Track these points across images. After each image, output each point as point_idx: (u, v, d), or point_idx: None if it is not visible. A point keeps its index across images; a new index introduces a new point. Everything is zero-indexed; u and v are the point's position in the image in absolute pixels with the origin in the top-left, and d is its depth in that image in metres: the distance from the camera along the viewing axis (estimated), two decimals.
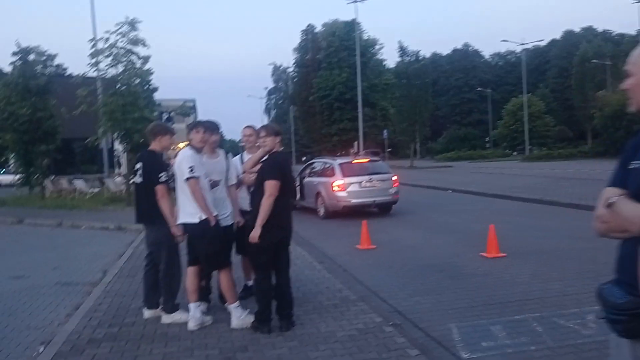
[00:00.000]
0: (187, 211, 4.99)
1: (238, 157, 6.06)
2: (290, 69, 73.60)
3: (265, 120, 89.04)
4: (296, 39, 69.83)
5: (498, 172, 30.09)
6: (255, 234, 4.82)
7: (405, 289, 6.76)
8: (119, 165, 29.77)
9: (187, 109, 23.41)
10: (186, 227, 5.03)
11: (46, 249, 10.98)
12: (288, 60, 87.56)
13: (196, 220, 4.93)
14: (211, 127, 5.28)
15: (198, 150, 5.12)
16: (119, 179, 23.29)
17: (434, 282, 7.07)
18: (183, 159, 4.98)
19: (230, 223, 5.50)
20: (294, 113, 65.84)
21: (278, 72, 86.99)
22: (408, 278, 7.35)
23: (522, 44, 56.03)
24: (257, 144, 5.86)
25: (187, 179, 4.89)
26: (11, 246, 11.81)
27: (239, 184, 5.77)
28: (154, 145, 5.40)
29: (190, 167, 4.91)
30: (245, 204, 5.63)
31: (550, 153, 46.93)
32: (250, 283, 6.15)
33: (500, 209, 14.65)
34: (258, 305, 5.02)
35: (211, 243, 4.99)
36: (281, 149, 5.23)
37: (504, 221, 10.97)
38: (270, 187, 4.82)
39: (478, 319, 5.48)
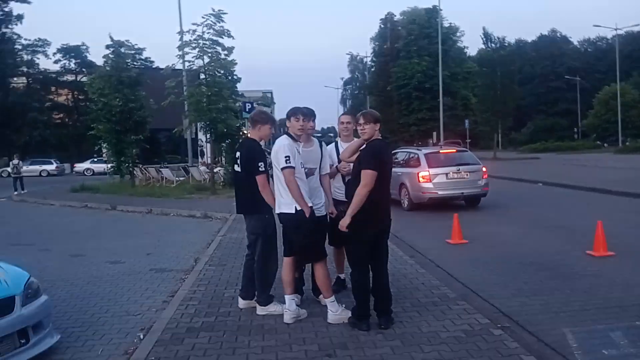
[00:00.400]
0: (283, 201, 4.84)
1: (332, 145, 5.84)
2: (368, 59, 72.90)
3: (341, 111, 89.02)
4: (374, 28, 68.97)
5: (592, 165, 28.32)
6: (344, 223, 4.61)
7: (507, 288, 6.32)
8: (202, 155, 30.58)
9: (268, 99, 23.64)
10: (282, 217, 4.89)
11: (138, 235, 11.32)
12: (365, 50, 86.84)
13: (292, 210, 4.77)
14: (309, 114, 5.10)
15: (295, 138, 4.95)
16: (202, 168, 23.90)
17: (538, 281, 6.58)
18: (280, 147, 4.83)
19: (324, 214, 5.29)
20: (371, 103, 65.24)
21: (355, 62, 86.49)
22: (508, 276, 6.89)
23: (616, 29, 52.50)
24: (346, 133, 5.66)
25: (283, 168, 4.74)
26: (107, 231, 12.31)
27: (334, 173, 5.55)
28: (253, 134, 5.29)
29: (287, 156, 4.74)
30: (340, 194, 5.43)
31: None
32: (343, 276, 5.96)
33: (600, 203, 13.69)
34: (355, 301, 4.81)
35: (306, 234, 4.83)
36: (380, 137, 4.95)
37: (607, 217, 10.09)
38: (367, 177, 4.57)
39: (594, 323, 5.00)
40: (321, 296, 5.28)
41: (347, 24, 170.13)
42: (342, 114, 5.94)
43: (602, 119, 58.00)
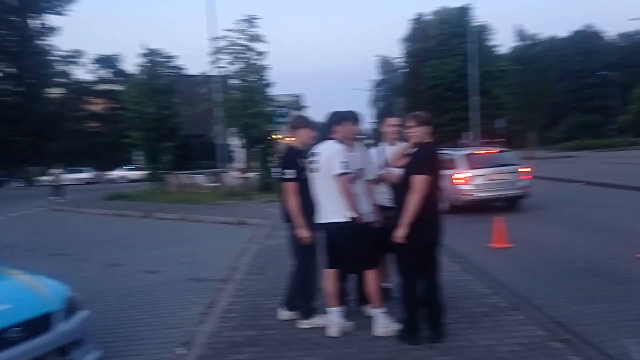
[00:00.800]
0: (332, 209, 4.62)
1: (378, 149, 5.59)
2: (397, 60, 72.39)
3: (370, 113, 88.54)
4: (402, 30, 68.45)
5: (634, 162, 27.36)
6: (400, 234, 4.37)
7: (560, 295, 5.99)
8: (234, 160, 30.68)
9: (299, 103, 23.61)
10: (331, 226, 4.67)
11: (174, 243, 11.28)
12: (394, 51, 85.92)
13: (343, 219, 4.55)
14: (357, 118, 4.89)
15: (343, 143, 4.75)
16: (234, 174, 23.91)
17: (592, 288, 6.23)
18: (335, 152, 4.60)
19: (372, 220, 5.04)
20: (402, 104, 64.73)
21: (384, 64, 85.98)
22: (559, 283, 6.55)
23: None
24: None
25: (341, 174, 4.52)
26: (142, 240, 12.31)
27: (380, 178, 5.28)
28: (295, 140, 5.11)
29: (344, 162, 4.54)
30: (386, 200, 5.18)
31: None
32: (387, 285, 5.72)
33: None
34: (405, 312, 4.57)
35: (361, 242, 4.61)
36: (430, 139, 4.69)
37: None
38: (419, 182, 4.34)
39: None
40: (366, 307, 5.05)
41: (375, 26, 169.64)
42: (390, 117, 5.69)
43: None
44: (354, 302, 5.34)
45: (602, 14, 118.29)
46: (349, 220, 4.54)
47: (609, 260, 7.45)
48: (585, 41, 74.44)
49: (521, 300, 5.71)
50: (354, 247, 4.62)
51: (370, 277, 4.72)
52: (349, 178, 4.55)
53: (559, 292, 6.15)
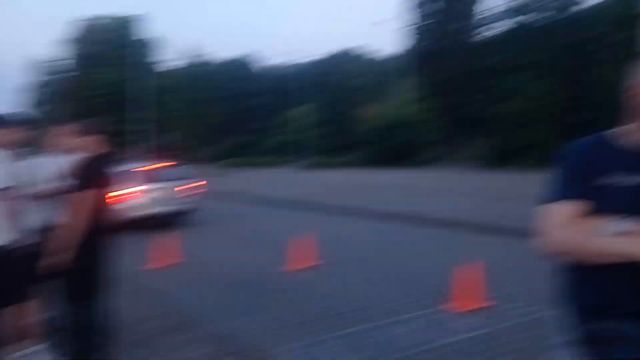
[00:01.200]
0: None
1: (36, 160, 4.87)
2: (61, 63, 66.44)
3: (28, 118, 79.11)
4: (60, 31, 63.39)
5: (286, 179, 30.91)
6: (65, 258, 3.89)
7: (226, 309, 6.24)
8: None
9: None
10: None
11: None
12: (55, 52, 78.06)
13: None
14: (9, 123, 4.20)
15: None
16: None
17: (253, 299, 6.68)
18: None
19: (29, 243, 4.35)
20: (69, 111, 59.64)
21: (47, 66, 77.99)
22: (225, 297, 6.81)
23: (295, 60, 59.74)
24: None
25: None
26: None
27: (40, 194, 4.58)
28: None
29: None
30: (45, 220, 4.54)
31: (326, 162, 50.37)
32: (47, 316, 5.08)
33: (297, 217, 14.92)
34: (74, 344, 4.11)
35: (11, 272, 3.92)
36: (104, 150, 4.35)
37: (306, 230, 10.81)
38: (87, 198, 3.95)
39: (315, 335, 5.24)
40: (20, 345, 4.36)
41: (26, 25, 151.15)
42: (56, 124, 4.98)
43: (286, 139, 64.29)
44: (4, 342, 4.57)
45: (265, 45, 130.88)
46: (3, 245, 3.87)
47: (264, 273, 8.04)
48: (245, 68, 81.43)
49: (190, 318, 5.78)
50: (2, 279, 3.94)
51: (26, 310, 4.12)
52: (6, 194, 3.88)
53: (226, 306, 6.41)
